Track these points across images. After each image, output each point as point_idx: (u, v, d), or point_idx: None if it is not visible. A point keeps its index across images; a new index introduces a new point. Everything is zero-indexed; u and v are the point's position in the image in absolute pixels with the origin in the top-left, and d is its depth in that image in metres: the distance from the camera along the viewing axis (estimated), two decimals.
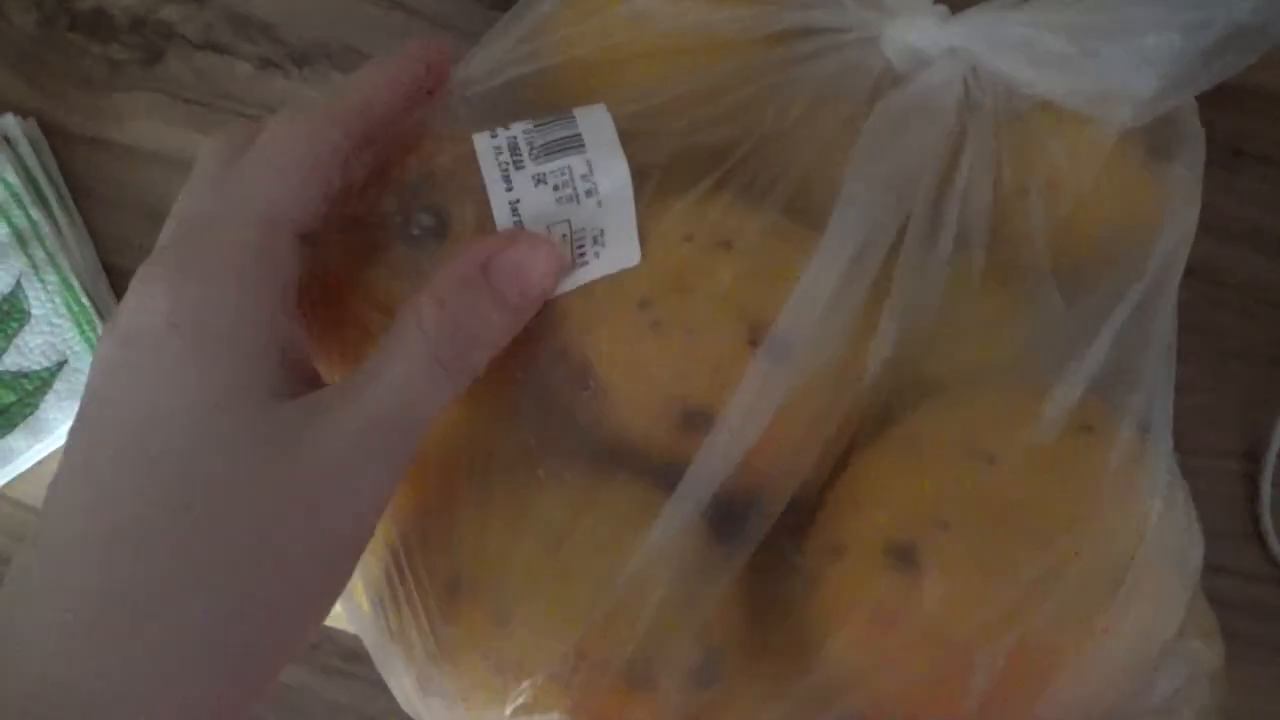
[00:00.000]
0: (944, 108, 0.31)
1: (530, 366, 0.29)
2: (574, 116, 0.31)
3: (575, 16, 0.32)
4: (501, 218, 0.30)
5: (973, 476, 0.27)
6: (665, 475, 0.28)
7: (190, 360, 0.26)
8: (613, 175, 0.30)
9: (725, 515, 0.27)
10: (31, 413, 0.48)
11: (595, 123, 0.31)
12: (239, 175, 0.29)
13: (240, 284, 0.27)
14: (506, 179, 0.30)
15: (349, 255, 0.31)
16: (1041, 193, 0.31)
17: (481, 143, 0.31)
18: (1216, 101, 0.30)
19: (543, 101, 0.32)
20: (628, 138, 0.30)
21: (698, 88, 0.31)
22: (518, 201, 0.30)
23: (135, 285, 0.27)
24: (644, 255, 0.29)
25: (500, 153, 0.30)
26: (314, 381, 0.29)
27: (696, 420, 0.28)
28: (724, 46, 0.32)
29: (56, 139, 0.51)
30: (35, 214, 0.48)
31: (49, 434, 0.48)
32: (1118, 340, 0.28)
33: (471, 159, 0.30)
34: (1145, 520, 0.26)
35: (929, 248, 0.30)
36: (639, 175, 0.30)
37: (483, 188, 0.30)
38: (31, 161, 0.49)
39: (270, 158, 0.29)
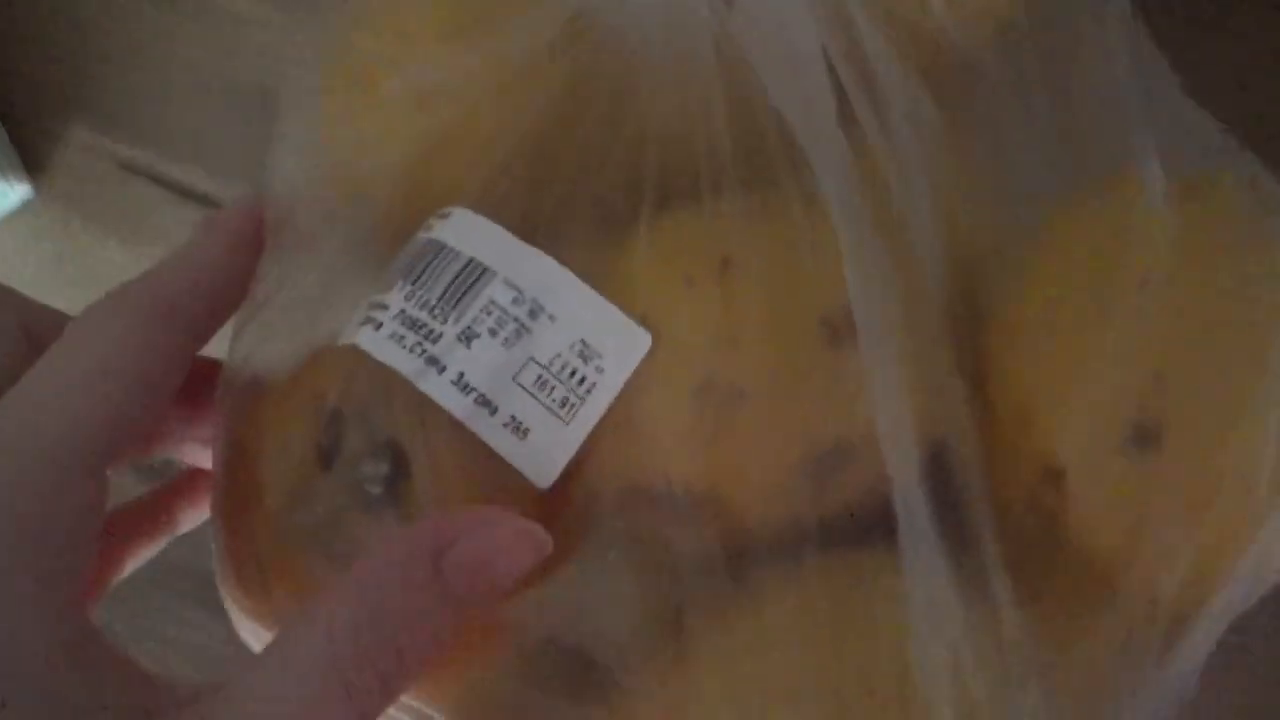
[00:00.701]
0: None
1: (619, 544, 0.22)
2: (443, 243, 0.24)
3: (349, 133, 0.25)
4: (457, 408, 0.22)
5: (1139, 311, 0.23)
6: (838, 537, 0.23)
7: None
8: (543, 277, 0.23)
9: (954, 534, 0.22)
10: None
11: (472, 233, 0.24)
12: (14, 399, 0.21)
13: (8, 562, 0.19)
14: (433, 361, 0.23)
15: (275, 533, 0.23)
16: None
17: (371, 342, 0.23)
18: None
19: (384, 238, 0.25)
20: (526, 226, 0.24)
21: (549, 126, 0.25)
22: (461, 376, 0.23)
23: None
24: (654, 331, 0.23)
25: (402, 340, 0.23)
26: (135, 687, 0.20)
27: (835, 458, 0.22)
28: (532, 70, 0.26)
29: None
30: None
31: None
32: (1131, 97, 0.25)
33: (375, 366, 0.23)
34: None
35: (891, 131, 0.25)
36: (569, 251, 0.23)
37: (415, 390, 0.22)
38: None
39: (63, 371, 0.21)
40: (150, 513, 0.29)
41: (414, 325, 0.23)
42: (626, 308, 0.23)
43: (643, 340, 0.22)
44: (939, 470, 0.22)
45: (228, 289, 0.25)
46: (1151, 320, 0.22)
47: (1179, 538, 0.22)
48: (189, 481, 0.30)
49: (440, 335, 0.23)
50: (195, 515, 0.30)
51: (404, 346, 0.23)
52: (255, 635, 0.25)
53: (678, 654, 0.22)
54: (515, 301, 0.23)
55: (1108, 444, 0.22)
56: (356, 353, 0.23)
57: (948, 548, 0.21)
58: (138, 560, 0.28)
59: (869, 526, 0.22)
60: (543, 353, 0.23)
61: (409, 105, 0.26)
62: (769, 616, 0.21)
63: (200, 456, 0.29)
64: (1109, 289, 0.23)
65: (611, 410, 0.22)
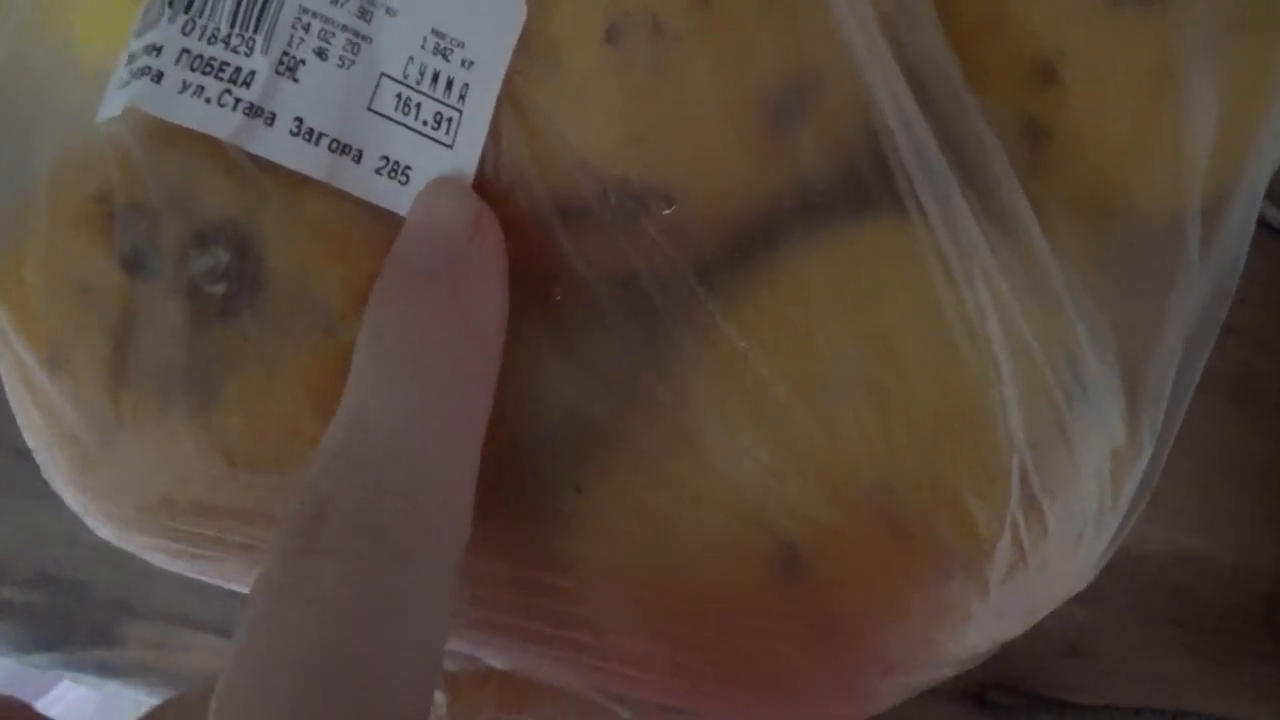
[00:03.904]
0: None
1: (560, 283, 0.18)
2: None
3: None
4: (310, 164, 0.17)
5: None
6: (822, 210, 0.18)
7: None
8: None
9: (960, 167, 0.18)
10: None
11: None
12: None
13: None
14: (255, 111, 0.17)
15: None
16: None
17: (155, 100, 0.17)
18: None
19: None
20: None
21: None
22: (300, 123, 0.17)
23: None
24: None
25: (201, 90, 0.17)
26: None
27: (797, 96, 0.17)
28: None
29: None
30: None
31: None
32: None
33: (171, 134, 0.17)
34: None
35: None
36: None
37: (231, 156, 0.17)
38: None
39: None
40: None
41: (210, 66, 0.17)
42: None
43: (511, 4, 0.17)
44: (923, 97, 0.18)
45: None
46: None
47: (1200, 111, 0.19)
48: None
49: (252, 73, 0.17)
50: None
51: (206, 98, 0.17)
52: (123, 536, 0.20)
53: (664, 400, 0.19)
54: (335, 1, 0.17)
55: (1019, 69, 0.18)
56: (135, 120, 0.17)
57: (961, 181, 0.17)
58: None
59: (853, 188, 0.18)
60: (394, 63, 0.17)
61: None
62: (767, 315, 0.18)
63: None
64: None
65: (505, 108, 0.17)
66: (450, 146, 0.17)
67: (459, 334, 0.16)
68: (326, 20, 0.17)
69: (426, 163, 0.17)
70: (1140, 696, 0.32)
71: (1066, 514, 0.17)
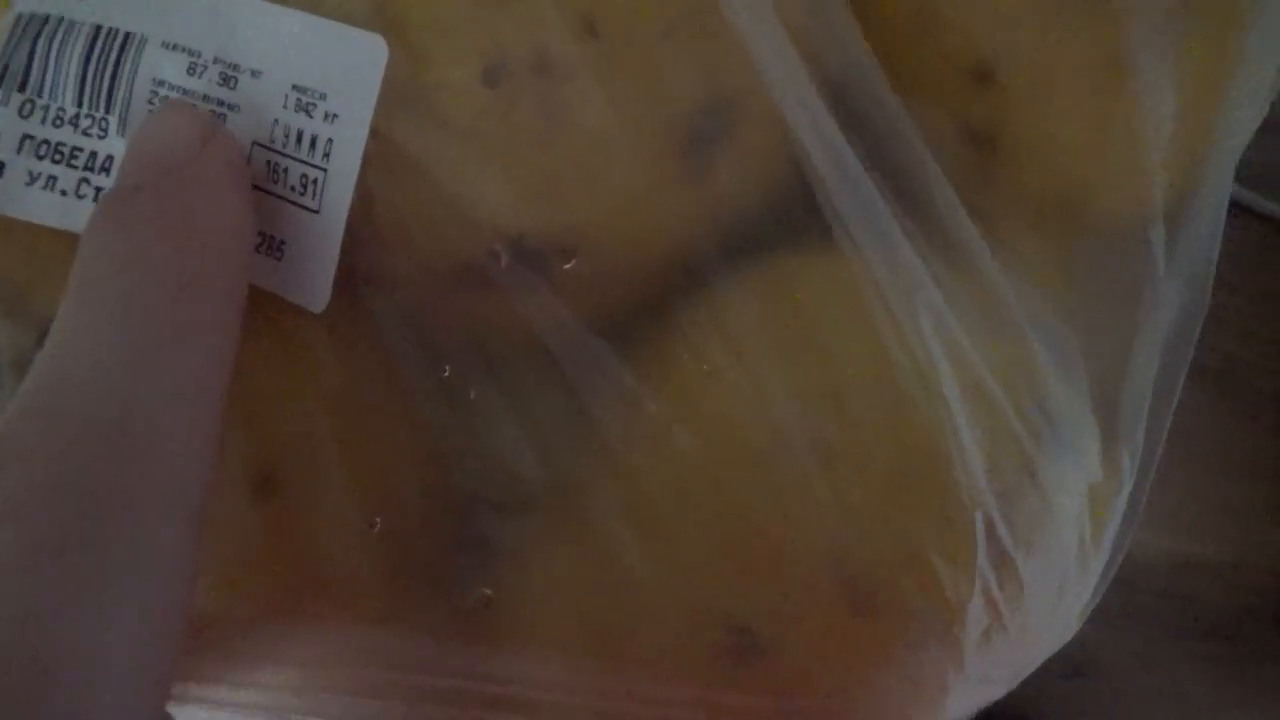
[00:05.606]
0: None
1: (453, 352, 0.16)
2: (43, 15, 0.15)
3: None
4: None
5: None
6: (744, 246, 0.17)
7: None
8: (214, 17, 0.15)
9: (893, 186, 0.16)
10: None
11: None
12: None
13: None
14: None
15: None
16: None
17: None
18: None
19: None
20: None
21: None
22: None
23: None
24: (392, 21, 0.15)
25: (52, 181, 0.15)
26: None
27: (712, 122, 0.16)
28: None
29: None
30: None
31: None
32: None
33: (8, 227, 0.15)
34: None
35: None
36: None
37: None
38: None
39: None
40: None
41: (60, 153, 0.15)
42: (339, 6, 0.15)
43: (370, 47, 0.15)
44: (849, 117, 0.16)
45: None
46: None
47: (1156, 103, 0.17)
48: None
49: (110, 158, 0.15)
50: None
51: (60, 190, 0.15)
52: None
53: (583, 481, 0.17)
54: (193, 70, 0.15)
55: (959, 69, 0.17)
56: None
57: (894, 202, 0.16)
58: None
59: (780, 220, 0.16)
60: (263, 129, 0.15)
61: None
62: (694, 374, 0.16)
63: None
64: None
65: (382, 163, 0.15)
66: (317, 211, 0.15)
67: (173, 250, 0.14)
68: (186, 92, 0.15)
69: (295, 232, 0.15)
70: (1155, 713, 0.31)
71: (1044, 565, 0.15)
